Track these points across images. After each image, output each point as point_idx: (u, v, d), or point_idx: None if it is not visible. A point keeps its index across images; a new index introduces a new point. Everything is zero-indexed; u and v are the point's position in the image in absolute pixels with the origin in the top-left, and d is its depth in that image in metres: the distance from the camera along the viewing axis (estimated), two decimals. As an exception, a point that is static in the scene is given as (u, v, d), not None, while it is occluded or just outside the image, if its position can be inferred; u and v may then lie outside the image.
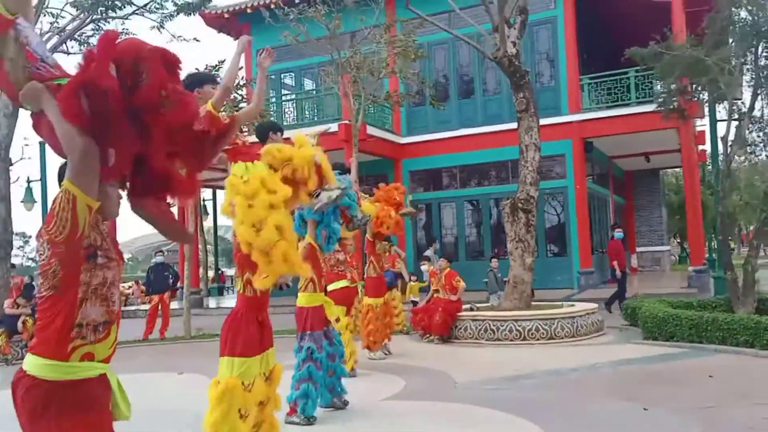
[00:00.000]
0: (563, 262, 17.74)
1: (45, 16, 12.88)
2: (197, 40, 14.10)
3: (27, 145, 14.25)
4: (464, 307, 10.28)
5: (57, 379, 2.23)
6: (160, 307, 12.34)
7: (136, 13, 13.38)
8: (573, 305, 10.60)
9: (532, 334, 9.31)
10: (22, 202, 18.37)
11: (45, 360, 2.24)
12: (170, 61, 2.37)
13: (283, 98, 19.99)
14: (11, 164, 12.09)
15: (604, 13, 18.22)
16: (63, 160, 2.41)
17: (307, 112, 18.97)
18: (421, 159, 18.59)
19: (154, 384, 7.58)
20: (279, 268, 3.44)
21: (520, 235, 10.23)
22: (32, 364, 2.25)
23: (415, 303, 12.67)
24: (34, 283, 12.01)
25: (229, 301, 17.47)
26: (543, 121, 16.67)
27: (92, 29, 13.71)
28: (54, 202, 2.25)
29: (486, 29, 11.14)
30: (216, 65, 14.47)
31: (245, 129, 9.07)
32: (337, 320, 6.99)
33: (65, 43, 13.52)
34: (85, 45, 14.05)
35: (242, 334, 3.98)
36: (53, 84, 2.41)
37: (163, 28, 14.20)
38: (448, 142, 18.22)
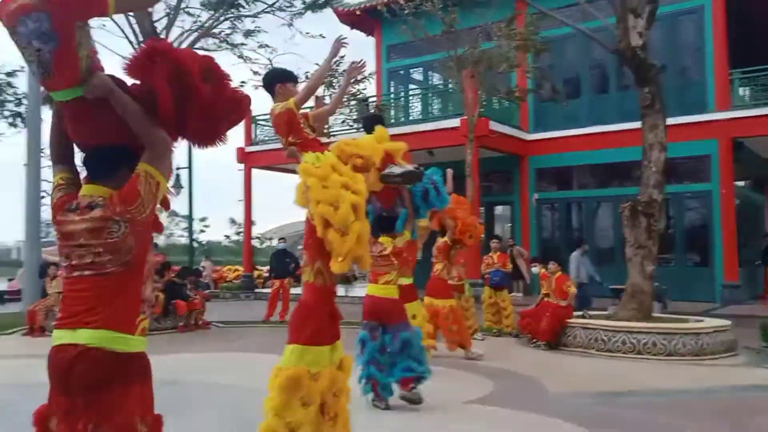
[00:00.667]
0: (704, 273, 16.27)
1: (188, 15, 13.89)
2: (323, 37, 14.51)
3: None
4: (575, 313, 9.77)
5: (125, 351, 2.32)
6: (281, 292, 12.93)
7: (266, 11, 14.03)
8: (702, 320, 9.68)
9: (648, 349, 8.62)
10: (171, 187, 19.98)
11: (115, 333, 2.30)
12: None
13: (410, 93, 20.04)
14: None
15: (757, 0, 16.44)
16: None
17: (435, 107, 18.89)
18: (549, 156, 17.87)
19: (264, 365, 7.91)
20: (354, 248, 3.55)
21: (641, 240, 9.51)
22: (99, 337, 2.29)
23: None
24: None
25: (358, 291, 17.83)
26: (686, 119, 15.55)
27: (228, 27, 14.59)
28: (135, 183, 2.35)
29: (613, 23, 10.48)
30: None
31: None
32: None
33: (202, 39, 14.47)
34: (225, 42, 14.96)
35: (312, 323, 3.92)
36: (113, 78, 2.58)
37: (292, 25, 14.79)
38: (578, 139, 17.35)
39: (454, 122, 15.78)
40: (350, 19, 21.34)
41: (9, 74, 14.07)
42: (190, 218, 20.06)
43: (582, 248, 13.49)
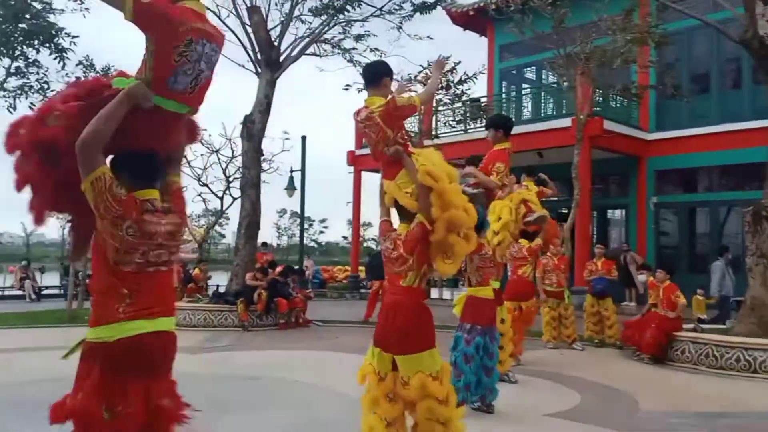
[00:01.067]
0: None
1: (300, 23, 14.35)
2: (431, 38, 14.47)
3: (288, 138, 15.92)
4: (686, 326, 9.04)
5: None
6: (380, 292, 13.04)
7: (375, 15, 14.20)
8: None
9: (765, 368, 7.79)
10: (285, 189, 20.83)
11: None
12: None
13: (523, 92, 19.52)
14: (262, 155, 13.75)
15: None
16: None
17: (548, 107, 18.26)
18: (671, 157, 16.68)
19: (346, 365, 8.03)
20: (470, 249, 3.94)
21: (763, 249, 8.64)
22: (174, 323, 2.84)
23: (702, 321, 11.33)
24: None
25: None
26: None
27: (339, 32, 14.91)
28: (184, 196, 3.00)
29: (742, 12, 9.60)
30: (453, 67, 14.56)
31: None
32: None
33: (316, 44, 14.86)
34: (338, 47, 15.32)
35: (432, 326, 3.87)
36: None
37: (401, 28, 14.85)
38: (705, 138, 16.05)
39: (566, 122, 15.16)
40: (463, 19, 21.16)
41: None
42: (301, 218, 20.75)
43: (725, 257, 12.37)
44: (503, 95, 19.73)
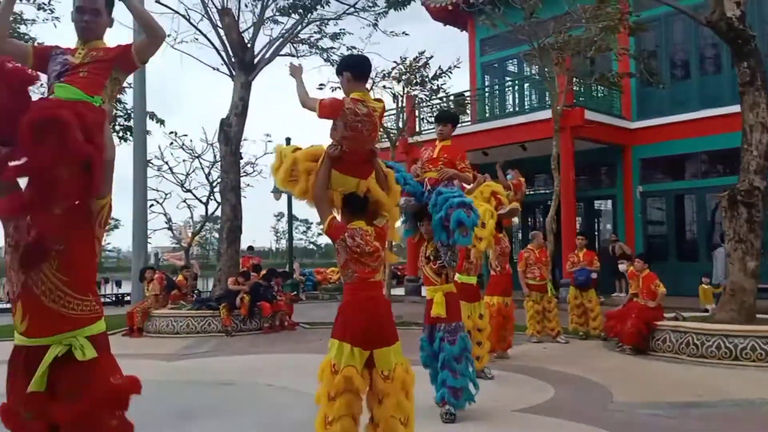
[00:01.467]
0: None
1: (274, 24, 14.24)
2: (406, 34, 14.37)
3: (270, 141, 15.80)
4: (668, 315, 8.96)
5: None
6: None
7: (348, 13, 14.09)
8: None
9: (746, 354, 7.72)
10: (272, 192, 20.71)
11: None
12: None
13: (504, 86, 19.39)
14: (241, 158, 13.65)
15: None
16: None
17: (533, 99, 18.13)
18: (655, 145, 16.59)
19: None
20: None
21: (741, 233, 8.56)
22: None
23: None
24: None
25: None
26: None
27: (315, 31, 14.80)
28: None
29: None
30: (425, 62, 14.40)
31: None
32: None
33: (292, 44, 14.73)
34: (315, 47, 15.21)
35: None
36: None
37: (377, 26, 14.73)
38: (688, 124, 15.96)
39: (547, 114, 15.06)
40: (442, 15, 21.06)
41: (118, 91, 15.08)
42: (289, 221, 20.61)
43: None
44: (486, 89, 19.61)
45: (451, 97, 17.65)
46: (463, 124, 17.81)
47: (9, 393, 2.67)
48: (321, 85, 14.31)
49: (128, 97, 15.26)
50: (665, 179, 17.08)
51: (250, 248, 15.64)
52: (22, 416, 2.61)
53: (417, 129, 18.19)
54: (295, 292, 14.86)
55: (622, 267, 10.24)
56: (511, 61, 20.30)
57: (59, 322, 2.66)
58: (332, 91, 14.13)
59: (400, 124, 14.71)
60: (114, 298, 20.39)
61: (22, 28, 13.17)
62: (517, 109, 17.53)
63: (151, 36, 2.99)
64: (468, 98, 18.53)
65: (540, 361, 8.08)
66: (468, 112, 18.18)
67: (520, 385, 6.76)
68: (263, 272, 12.54)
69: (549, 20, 12.76)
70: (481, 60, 20.64)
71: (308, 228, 75.62)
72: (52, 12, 13.17)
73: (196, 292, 14.44)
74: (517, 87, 18.20)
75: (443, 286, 5.41)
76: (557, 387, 6.56)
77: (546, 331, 9.87)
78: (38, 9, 13.06)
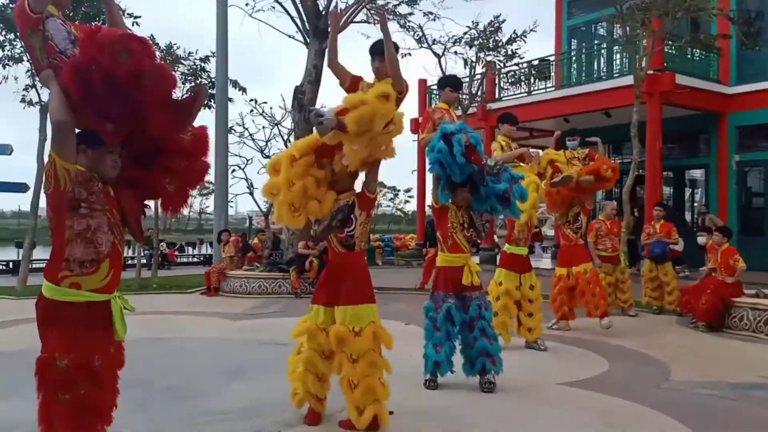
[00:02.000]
0: None
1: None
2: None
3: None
4: (749, 292, 8.40)
5: (51, 298, 2.81)
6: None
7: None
8: None
9: (831, 336, 7.15)
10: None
11: (47, 283, 2.83)
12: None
13: (585, 50, 18.45)
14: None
15: None
16: None
17: (623, 62, 17.15)
18: (756, 112, 15.36)
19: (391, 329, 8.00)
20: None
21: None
22: (43, 285, 2.86)
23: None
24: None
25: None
26: None
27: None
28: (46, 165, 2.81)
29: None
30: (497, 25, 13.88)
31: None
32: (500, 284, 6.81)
33: (368, 11, 14.63)
34: (393, 14, 15.07)
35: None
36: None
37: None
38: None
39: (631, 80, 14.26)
40: (528, -24, 20.31)
41: (203, 60, 15.56)
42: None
43: None
44: (572, 53, 18.76)
45: (529, 63, 17.07)
46: (548, 90, 17.25)
47: (81, 346, 2.79)
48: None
49: (211, 65, 15.70)
50: (764, 148, 15.83)
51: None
52: (95, 364, 2.82)
53: (496, 95, 17.79)
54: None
55: (701, 240, 9.58)
56: (601, 23, 19.28)
57: (119, 276, 3.00)
58: (402, 57, 14.00)
59: (475, 91, 14.36)
60: (202, 258, 21.40)
61: None
62: (603, 74, 16.70)
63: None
64: (552, 63, 17.83)
65: (602, 334, 7.77)
66: (552, 76, 17.52)
67: (573, 359, 6.56)
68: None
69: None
70: (567, 23, 19.75)
71: (396, 195, 76.05)
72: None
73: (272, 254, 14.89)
74: (604, 51, 17.28)
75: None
76: (613, 362, 6.32)
77: (618, 303, 9.50)
78: None
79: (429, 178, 5.79)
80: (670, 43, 14.45)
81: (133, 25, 13.70)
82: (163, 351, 6.70)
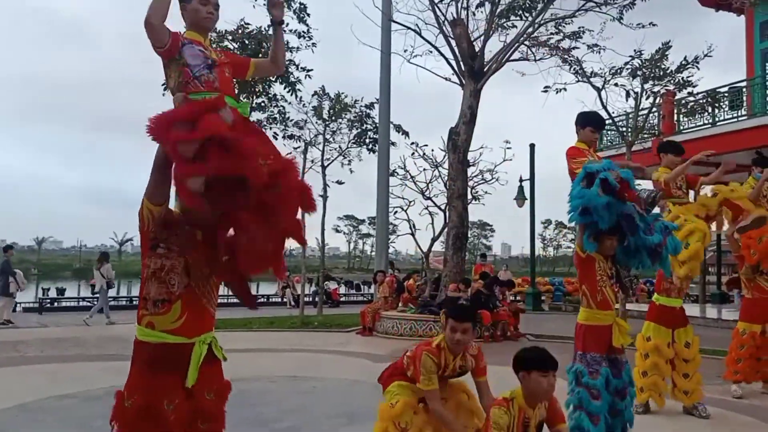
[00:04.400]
0: None
1: (505, 30, 14.04)
2: (654, 25, 12.99)
3: (509, 148, 15.42)
4: None
5: (136, 336, 2.93)
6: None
7: (587, 9, 13.24)
8: None
9: None
10: (515, 199, 20.41)
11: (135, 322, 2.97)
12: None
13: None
14: (469, 165, 13.66)
15: None
16: None
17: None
18: None
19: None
20: None
21: None
22: None
23: None
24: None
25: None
26: None
27: (552, 32, 14.18)
28: None
29: None
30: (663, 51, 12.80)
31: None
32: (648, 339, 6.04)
33: (529, 49, 14.32)
34: (556, 49, 14.63)
35: None
36: (188, 97, 2.98)
37: (622, 20, 13.55)
38: None
39: None
40: (714, 1, 18.66)
41: (368, 106, 16.24)
42: (532, 229, 19.91)
43: None
44: (767, 78, 16.75)
45: (714, 90, 15.51)
46: (739, 119, 15.50)
47: (146, 388, 2.82)
48: (546, 87, 13.66)
49: (375, 111, 16.30)
50: None
51: (483, 256, 15.61)
52: (164, 408, 2.79)
53: (677, 128, 16.38)
54: (521, 302, 14.33)
55: None
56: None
57: (208, 321, 2.96)
58: (557, 93, 13.43)
59: (641, 124, 13.34)
60: (370, 298, 21.99)
61: (287, 55, 14.82)
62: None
63: (276, 64, 3.35)
64: (744, 89, 16.06)
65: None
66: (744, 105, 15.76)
67: (740, 430, 5.61)
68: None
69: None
70: (760, 46, 17.75)
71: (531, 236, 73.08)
72: (310, 39, 14.63)
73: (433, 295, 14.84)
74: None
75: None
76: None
77: None
78: (298, 37, 14.62)
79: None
80: None
81: (305, 77, 14.75)
82: (293, 390, 6.85)
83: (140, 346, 2.88)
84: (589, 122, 5.15)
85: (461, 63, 13.23)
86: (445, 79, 13.80)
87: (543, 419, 3.42)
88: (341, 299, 22.00)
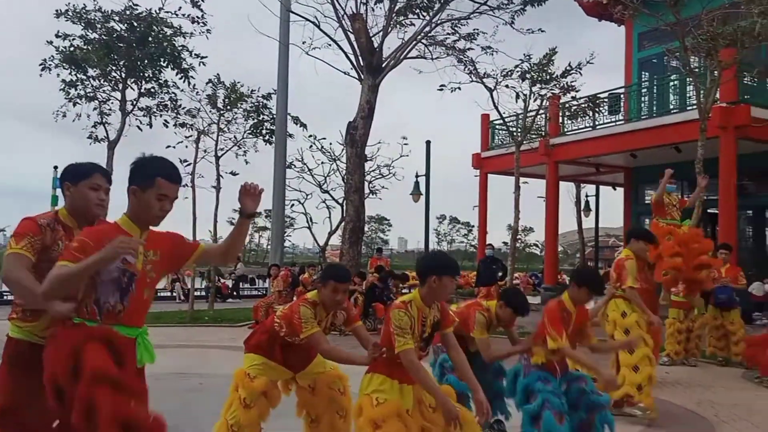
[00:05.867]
0: None
1: (404, 27, 14.22)
2: (542, 31, 13.63)
3: (406, 144, 15.64)
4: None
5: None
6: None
7: (481, 12, 13.66)
8: None
9: None
10: (411, 194, 20.77)
11: None
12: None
13: (661, 82, 17.62)
14: (367, 160, 13.77)
15: None
16: None
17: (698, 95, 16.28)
18: None
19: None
20: None
21: None
22: None
23: None
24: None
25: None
26: None
27: (448, 32, 14.52)
28: None
29: None
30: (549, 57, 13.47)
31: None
32: None
33: (426, 47, 14.58)
34: (451, 49, 14.95)
35: None
36: None
37: (513, 24, 14.08)
38: None
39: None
40: (597, 11, 19.79)
41: (265, 97, 15.90)
42: (426, 225, 20.34)
43: None
44: (643, 85, 18.00)
45: (594, 96, 16.49)
46: (617, 123, 16.54)
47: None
48: (441, 86, 14.02)
49: (272, 102, 16.04)
50: None
51: (379, 250, 15.81)
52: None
53: (562, 130, 17.28)
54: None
55: (755, 287, 8.47)
56: (676, 55, 18.42)
57: None
58: (451, 91, 13.80)
59: (529, 125, 13.99)
60: (264, 292, 21.64)
61: (181, 41, 14.23)
62: (673, 107, 15.90)
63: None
64: (621, 96, 17.16)
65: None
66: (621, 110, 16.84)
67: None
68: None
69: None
70: (638, 55, 19.04)
71: (469, 231, 75.32)
72: (204, 25, 14.16)
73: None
74: (674, 84, 16.47)
75: None
76: (665, 425, 5.72)
77: (693, 352, 8.89)
78: (192, 22, 14.10)
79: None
80: (745, 74, 13.60)
81: (199, 65, 14.26)
82: (178, 388, 6.64)
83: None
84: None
85: (360, 58, 13.28)
86: (344, 73, 13.82)
87: (437, 320, 3.54)
88: (233, 294, 21.44)
